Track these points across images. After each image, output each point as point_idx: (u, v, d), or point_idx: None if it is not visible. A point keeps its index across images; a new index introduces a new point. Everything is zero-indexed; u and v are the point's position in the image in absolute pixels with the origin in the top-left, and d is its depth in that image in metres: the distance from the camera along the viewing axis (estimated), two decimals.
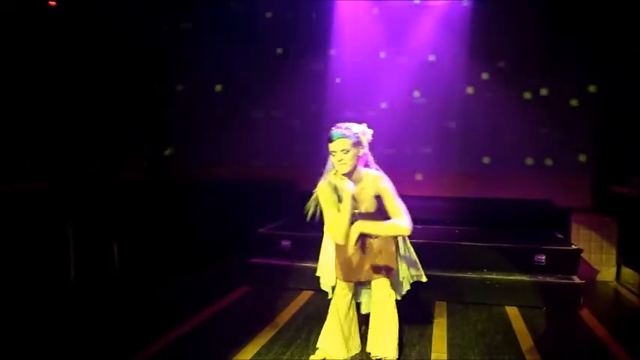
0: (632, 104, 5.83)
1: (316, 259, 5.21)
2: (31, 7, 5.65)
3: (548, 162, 6.28)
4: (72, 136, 5.99)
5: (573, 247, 5.18)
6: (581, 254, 5.20)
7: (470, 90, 6.49)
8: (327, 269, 3.74)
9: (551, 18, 6.10)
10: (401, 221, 3.24)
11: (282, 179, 6.72)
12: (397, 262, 3.58)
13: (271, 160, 6.95)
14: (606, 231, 5.75)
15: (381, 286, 3.50)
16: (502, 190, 6.27)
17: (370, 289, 3.59)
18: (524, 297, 4.84)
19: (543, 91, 6.32)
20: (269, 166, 6.93)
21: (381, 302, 3.48)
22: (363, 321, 3.74)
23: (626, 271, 5.58)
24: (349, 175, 3.33)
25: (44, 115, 5.78)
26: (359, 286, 3.75)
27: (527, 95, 6.32)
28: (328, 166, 3.44)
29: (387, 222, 3.30)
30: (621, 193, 5.73)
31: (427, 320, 4.41)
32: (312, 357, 3.59)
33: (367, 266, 3.49)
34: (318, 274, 3.85)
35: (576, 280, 4.87)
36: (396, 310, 3.50)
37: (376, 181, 3.39)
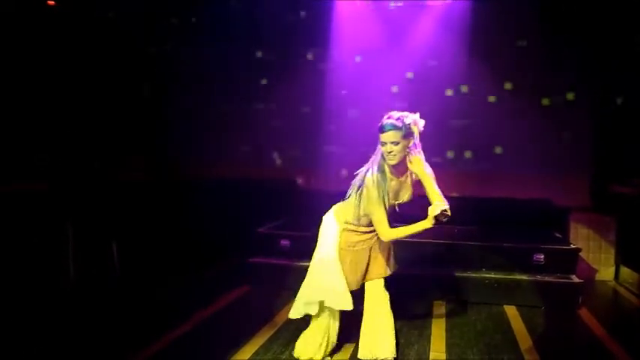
0: (632, 104, 5.84)
1: None
2: (31, 7, 5.65)
3: (548, 161, 6.28)
4: (72, 136, 6.00)
5: (572, 246, 5.19)
6: (580, 254, 5.21)
7: (468, 89, 6.48)
8: (339, 288, 3.45)
9: (551, 17, 6.10)
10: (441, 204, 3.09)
11: (281, 179, 6.74)
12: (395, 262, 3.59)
13: (270, 160, 6.96)
14: (605, 230, 5.76)
15: (376, 286, 3.49)
16: (501, 190, 6.28)
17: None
18: (522, 296, 4.85)
19: (543, 91, 6.32)
20: (268, 166, 6.93)
21: (378, 302, 3.47)
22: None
23: (625, 271, 5.59)
24: (397, 165, 3.26)
25: (45, 115, 5.79)
26: None
27: (527, 95, 6.32)
28: (377, 155, 3.30)
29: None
30: (620, 193, 5.74)
31: (426, 319, 4.42)
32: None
33: (372, 268, 3.50)
34: (325, 298, 3.47)
35: (575, 279, 4.88)
36: (390, 311, 3.48)
37: (417, 166, 3.26)
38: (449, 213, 2.99)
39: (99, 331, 4.03)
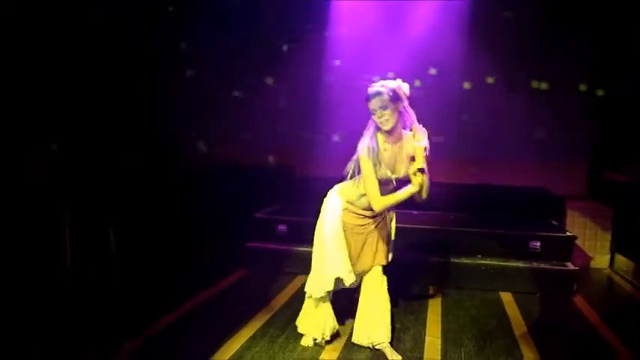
0: (629, 92, 5.83)
1: (312, 243, 5.24)
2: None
3: (545, 149, 6.28)
4: (72, 123, 5.96)
5: (568, 234, 5.22)
6: (576, 241, 5.24)
7: (467, 83, 6.46)
8: (344, 265, 3.54)
9: (550, 8, 6.07)
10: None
11: (279, 164, 6.72)
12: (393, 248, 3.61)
13: (268, 145, 6.93)
14: (601, 218, 5.78)
15: (374, 271, 3.51)
16: (498, 177, 6.28)
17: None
18: (518, 283, 4.88)
19: (540, 78, 6.30)
20: (266, 151, 6.91)
21: (375, 286, 3.49)
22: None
23: (620, 259, 5.62)
24: (393, 131, 3.28)
25: (47, 101, 5.74)
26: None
27: (524, 82, 6.30)
28: (369, 128, 3.35)
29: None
30: (617, 181, 5.75)
31: (422, 304, 4.44)
32: (302, 341, 3.64)
33: (371, 254, 3.51)
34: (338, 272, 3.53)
35: (570, 266, 4.91)
36: (388, 295, 3.52)
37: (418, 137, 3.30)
38: (423, 157, 3.22)
39: (96, 316, 4.04)
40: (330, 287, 3.53)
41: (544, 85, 6.27)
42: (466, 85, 6.44)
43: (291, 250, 5.30)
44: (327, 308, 3.63)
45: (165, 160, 6.74)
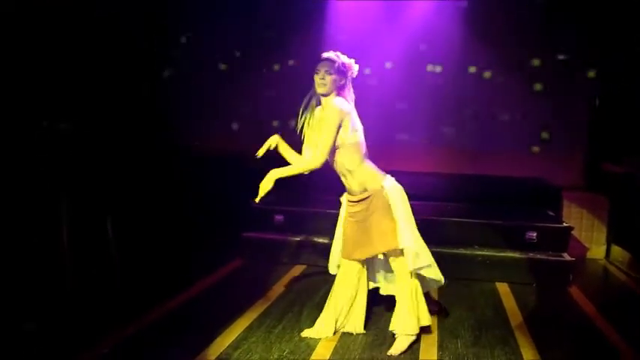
0: (626, 83, 5.82)
1: (309, 233, 5.26)
2: None
3: (542, 140, 6.28)
4: (73, 110, 5.92)
5: (564, 224, 5.22)
6: (572, 232, 5.24)
7: (462, 67, 6.43)
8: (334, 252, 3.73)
9: (552, 2, 6.06)
10: (305, 159, 3.39)
11: (276, 154, 6.69)
12: (401, 233, 3.40)
13: (267, 135, 6.90)
14: (597, 209, 5.80)
15: (397, 261, 3.49)
16: (495, 168, 6.28)
17: (383, 269, 3.77)
18: (514, 273, 4.89)
19: (537, 70, 6.29)
20: (264, 140, 6.87)
21: (399, 278, 3.52)
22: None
23: (616, 250, 5.64)
24: (324, 95, 3.38)
25: (44, 96, 5.70)
26: (371, 267, 3.79)
27: (521, 73, 6.28)
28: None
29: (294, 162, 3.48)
30: (613, 172, 5.76)
31: None
32: (303, 332, 3.63)
33: (369, 241, 3.47)
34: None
35: (566, 257, 4.92)
36: (413, 286, 3.47)
37: (326, 104, 3.37)
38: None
39: (92, 305, 4.04)
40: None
41: (539, 66, 6.25)
42: (467, 73, 6.41)
43: (288, 240, 5.30)
44: (341, 305, 3.65)
45: (162, 150, 6.72)
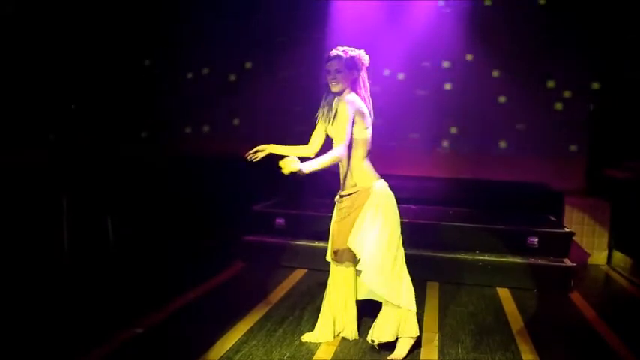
0: (628, 89, 5.82)
1: (310, 237, 5.25)
2: None
3: (543, 145, 6.28)
4: (72, 111, 5.94)
5: (566, 230, 5.22)
6: (574, 237, 5.24)
7: (463, 73, 6.43)
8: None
9: (552, 7, 6.07)
10: (332, 151, 3.18)
11: (278, 157, 6.68)
12: (367, 240, 3.27)
13: (267, 139, 6.90)
14: (599, 214, 5.79)
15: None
16: (497, 173, 6.28)
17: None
18: (515, 278, 4.88)
19: (539, 75, 6.29)
20: (264, 143, 6.87)
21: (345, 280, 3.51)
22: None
23: (618, 255, 5.63)
24: (339, 94, 3.34)
25: (44, 94, 5.72)
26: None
27: (523, 78, 6.28)
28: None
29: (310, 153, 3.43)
30: (615, 178, 5.75)
31: (419, 300, 4.42)
32: (303, 336, 3.62)
33: (342, 235, 3.40)
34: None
35: (568, 262, 4.91)
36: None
37: (339, 102, 3.31)
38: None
39: (90, 306, 4.03)
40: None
41: (543, 85, 6.26)
42: (469, 76, 6.40)
43: (289, 243, 5.30)
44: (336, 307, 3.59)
45: (163, 153, 6.73)
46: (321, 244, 5.11)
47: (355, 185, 3.38)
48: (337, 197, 3.52)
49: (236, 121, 6.98)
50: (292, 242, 5.30)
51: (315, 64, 6.56)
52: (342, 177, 3.45)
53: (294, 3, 6.68)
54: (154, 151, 6.72)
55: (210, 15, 6.72)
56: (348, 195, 3.41)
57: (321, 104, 3.45)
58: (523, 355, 3.46)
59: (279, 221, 5.49)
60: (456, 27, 6.34)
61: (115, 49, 6.57)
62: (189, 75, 7.03)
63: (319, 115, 3.47)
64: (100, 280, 4.61)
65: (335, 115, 3.32)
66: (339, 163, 3.39)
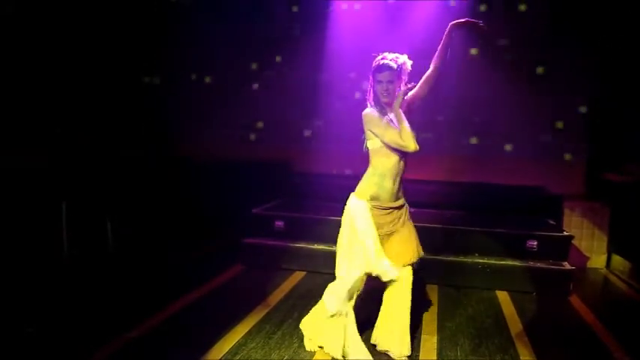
0: (627, 92, 5.83)
1: (309, 239, 5.25)
2: None
3: (543, 148, 6.28)
4: (71, 114, 5.95)
5: (565, 233, 5.22)
6: (573, 241, 5.24)
7: (462, 76, 6.43)
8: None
9: (553, 9, 6.08)
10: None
11: (277, 159, 6.70)
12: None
13: (267, 142, 6.92)
14: (598, 218, 5.79)
15: (406, 272, 3.41)
16: (495, 176, 6.28)
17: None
18: (514, 282, 4.88)
19: (539, 78, 6.30)
20: (264, 148, 6.89)
21: (399, 291, 3.39)
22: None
23: (617, 259, 5.63)
24: (389, 104, 3.29)
25: (45, 96, 5.72)
26: None
27: (523, 81, 6.29)
28: (369, 97, 3.39)
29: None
30: (614, 181, 5.75)
31: (418, 303, 4.42)
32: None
33: (399, 248, 3.38)
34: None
35: (567, 266, 4.91)
36: (407, 303, 3.40)
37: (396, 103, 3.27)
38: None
39: (89, 308, 4.03)
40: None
41: (542, 77, 6.25)
42: (469, 78, 6.39)
43: (288, 246, 5.30)
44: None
45: (163, 156, 6.74)
46: (320, 247, 5.14)
47: (400, 199, 3.40)
48: (379, 205, 3.35)
49: (239, 129, 6.99)
50: (292, 245, 5.30)
51: (316, 64, 6.62)
52: (394, 187, 3.34)
53: (295, 3, 6.69)
54: (154, 154, 6.72)
55: (212, 16, 6.72)
56: (397, 208, 3.39)
57: (375, 111, 3.31)
58: (522, 358, 3.47)
59: (279, 224, 5.49)
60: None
61: (115, 49, 6.57)
62: (193, 76, 7.04)
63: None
64: (100, 282, 4.61)
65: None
66: (389, 172, 3.31)
